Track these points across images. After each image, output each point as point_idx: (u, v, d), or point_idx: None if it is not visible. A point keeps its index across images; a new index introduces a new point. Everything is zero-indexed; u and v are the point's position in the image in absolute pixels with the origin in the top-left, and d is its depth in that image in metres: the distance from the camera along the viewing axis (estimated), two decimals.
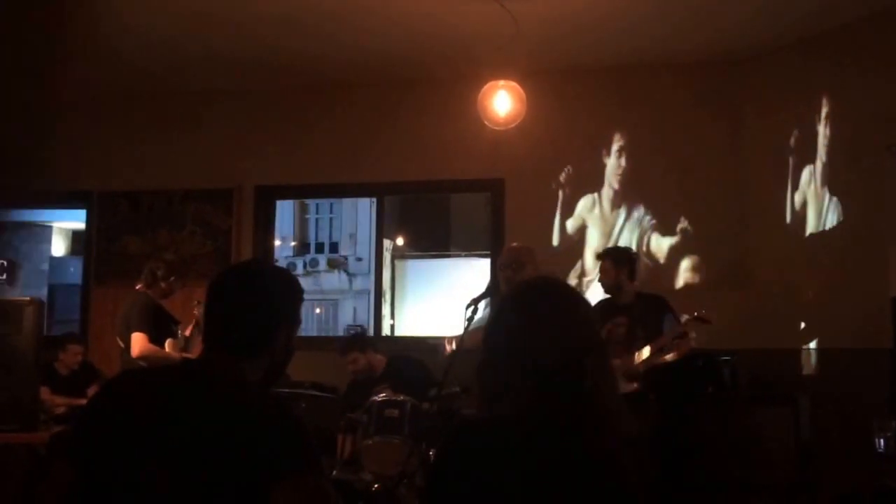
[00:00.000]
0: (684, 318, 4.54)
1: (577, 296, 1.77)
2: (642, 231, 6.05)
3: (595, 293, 5.23)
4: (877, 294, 4.97)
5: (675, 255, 5.96)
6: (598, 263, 4.92)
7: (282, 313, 1.86)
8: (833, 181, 5.39)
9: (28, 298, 4.14)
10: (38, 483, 1.81)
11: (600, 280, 4.82)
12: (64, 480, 1.70)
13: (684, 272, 5.97)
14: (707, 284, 5.89)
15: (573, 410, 1.57)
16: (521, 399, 1.59)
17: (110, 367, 5.81)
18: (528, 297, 1.74)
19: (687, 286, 5.93)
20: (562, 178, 6.22)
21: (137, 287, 5.21)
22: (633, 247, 5.87)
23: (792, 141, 5.65)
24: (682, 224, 5.99)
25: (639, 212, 6.09)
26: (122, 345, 5.04)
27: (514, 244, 4.75)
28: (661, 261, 6.02)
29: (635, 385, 4.45)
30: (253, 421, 1.62)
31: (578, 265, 6.16)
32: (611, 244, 6.08)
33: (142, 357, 4.86)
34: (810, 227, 5.51)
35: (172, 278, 5.19)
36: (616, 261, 4.81)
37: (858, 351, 5.03)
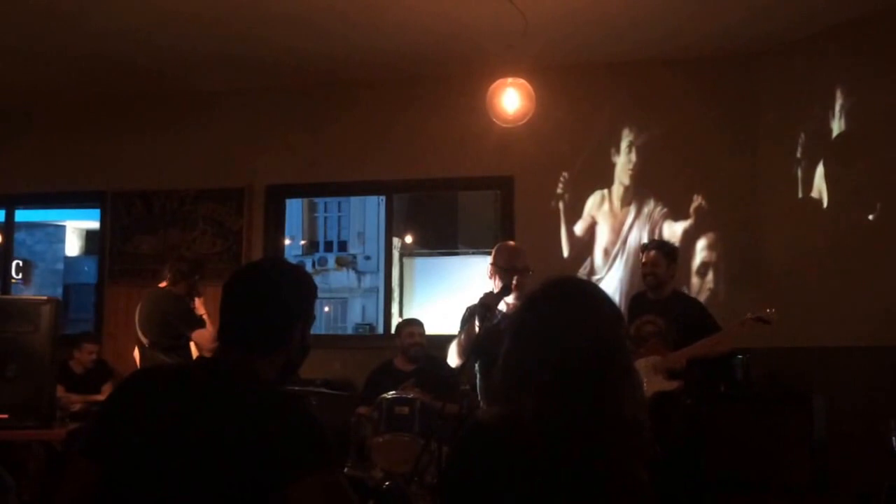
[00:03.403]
0: (746, 316, 4.45)
1: (602, 297, 1.74)
2: (652, 226, 6.04)
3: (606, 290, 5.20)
4: (893, 291, 4.96)
5: (687, 252, 5.94)
6: (644, 254, 4.81)
7: (296, 311, 1.87)
8: (847, 176, 5.37)
9: (45, 298, 4.15)
10: (56, 479, 1.82)
11: (650, 272, 4.71)
12: (83, 477, 1.71)
13: (696, 269, 5.96)
14: (720, 282, 5.89)
15: (586, 415, 1.55)
16: (534, 399, 1.57)
17: (124, 365, 5.86)
18: (552, 295, 1.71)
19: (699, 282, 5.92)
20: (571, 175, 6.22)
21: (161, 285, 5.20)
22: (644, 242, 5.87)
23: (806, 136, 5.63)
24: (694, 220, 5.98)
25: (649, 207, 6.08)
26: (144, 342, 5.05)
27: (512, 243, 4.58)
28: None
29: (677, 383, 4.44)
30: (270, 419, 1.63)
31: (588, 262, 6.16)
32: (620, 241, 6.08)
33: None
34: (825, 223, 5.48)
35: (197, 276, 5.18)
36: (668, 253, 4.76)
37: (874, 349, 5.01)
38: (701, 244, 5.95)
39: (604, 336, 1.63)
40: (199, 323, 5.02)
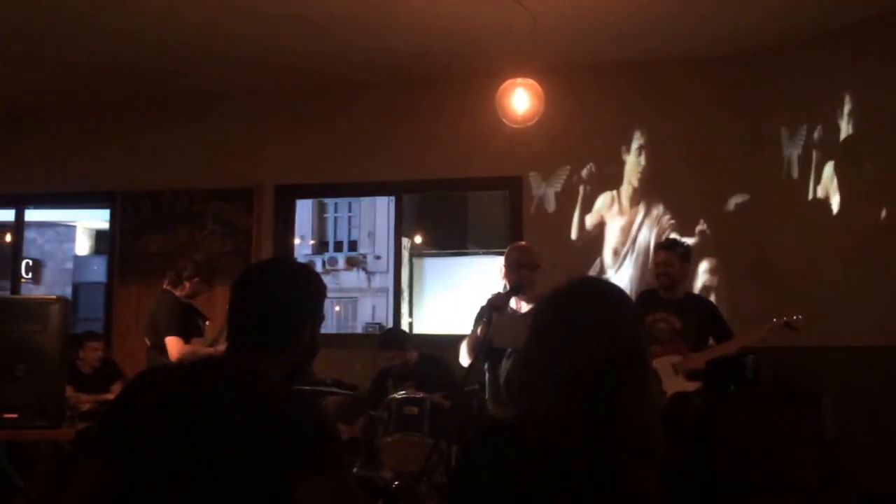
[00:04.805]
0: (773, 321, 4.42)
1: (625, 299, 1.71)
2: (661, 228, 6.02)
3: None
4: None
5: (696, 251, 5.91)
6: (657, 254, 4.84)
7: (305, 310, 1.86)
8: (855, 177, 5.35)
9: (54, 297, 4.15)
10: (64, 479, 1.81)
11: (663, 272, 4.72)
12: (89, 477, 1.70)
13: (704, 268, 5.94)
14: (729, 280, 5.87)
15: (602, 415, 1.53)
16: (551, 396, 1.56)
17: (134, 364, 5.85)
18: (575, 294, 1.69)
19: (707, 282, 5.90)
20: (580, 175, 6.21)
21: (164, 286, 5.20)
22: (652, 244, 5.86)
23: (814, 136, 5.61)
24: (702, 220, 5.96)
25: (658, 209, 6.06)
26: (147, 343, 5.06)
27: (522, 243, 4.63)
28: None
29: (697, 384, 4.45)
30: (278, 419, 1.63)
31: (597, 263, 6.15)
32: (629, 242, 6.06)
33: (181, 360, 4.85)
34: (833, 223, 5.46)
35: (197, 279, 5.13)
36: (682, 254, 4.77)
37: (884, 349, 4.99)
38: (709, 245, 5.93)
39: (625, 337, 1.61)
40: (177, 329, 4.90)
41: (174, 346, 4.85)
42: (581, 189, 6.20)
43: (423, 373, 5.22)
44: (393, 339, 5.59)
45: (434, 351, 5.54)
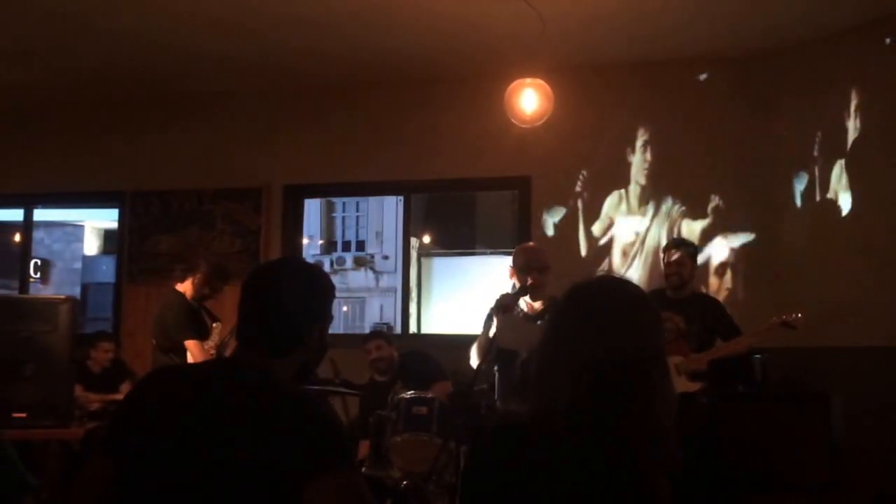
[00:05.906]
0: (772, 320, 4.43)
1: (646, 299, 1.70)
2: (671, 225, 6.01)
3: None
4: None
5: (705, 251, 5.90)
6: (668, 254, 4.79)
7: (314, 311, 1.86)
8: (864, 175, 5.33)
9: (63, 297, 4.17)
10: (73, 478, 1.82)
11: (674, 272, 4.70)
12: (99, 475, 1.71)
13: (715, 269, 5.92)
14: (738, 281, 5.85)
15: (618, 414, 1.53)
16: (569, 393, 1.55)
17: (142, 364, 5.87)
18: (588, 295, 1.68)
19: (717, 282, 5.89)
20: (589, 175, 6.20)
21: (176, 286, 5.17)
22: (662, 242, 5.85)
23: (823, 135, 5.59)
24: (712, 219, 5.95)
25: (667, 205, 6.05)
26: (154, 343, 5.06)
27: (531, 244, 4.64)
28: None
29: (699, 385, 4.44)
30: (286, 419, 1.62)
31: (605, 262, 6.14)
32: (638, 242, 6.05)
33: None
34: (842, 223, 5.44)
35: (202, 282, 5.06)
36: (692, 254, 4.77)
37: (892, 349, 4.97)
38: (719, 243, 5.92)
39: (642, 337, 1.61)
40: (192, 332, 4.88)
41: (193, 350, 4.82)
42: (589, 188, 6.19)
43: (412, 369, 5.25)
44: (378, 332, 5.63)
45: (421, 347, 5.61)
